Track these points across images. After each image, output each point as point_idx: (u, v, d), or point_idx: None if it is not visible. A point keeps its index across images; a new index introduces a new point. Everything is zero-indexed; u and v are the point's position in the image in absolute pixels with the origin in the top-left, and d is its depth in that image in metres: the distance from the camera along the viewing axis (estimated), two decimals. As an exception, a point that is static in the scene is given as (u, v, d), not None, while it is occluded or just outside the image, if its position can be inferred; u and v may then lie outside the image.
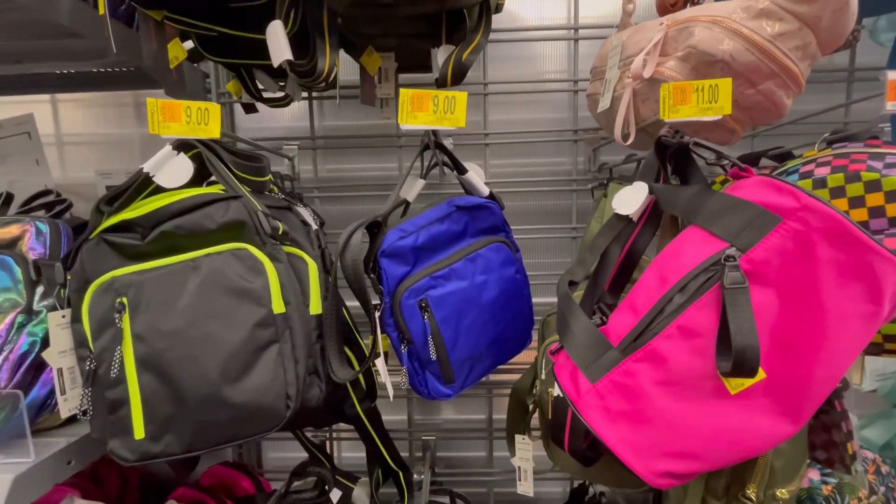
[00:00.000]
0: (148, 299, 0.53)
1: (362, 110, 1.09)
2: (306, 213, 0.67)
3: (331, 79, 0.71)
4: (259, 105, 0.96)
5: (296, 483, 0.93)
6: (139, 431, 0.52)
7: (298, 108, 1.07)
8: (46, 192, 0.77)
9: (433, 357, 0.66)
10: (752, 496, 0.57)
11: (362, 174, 1.07)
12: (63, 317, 0.54)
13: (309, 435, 1.00)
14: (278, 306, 0.54)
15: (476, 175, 0.73)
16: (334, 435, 1.12)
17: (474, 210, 0.70)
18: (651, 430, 0.50)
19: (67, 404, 0.54)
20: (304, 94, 1.00)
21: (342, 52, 0.85)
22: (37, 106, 1.08)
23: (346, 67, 1.02)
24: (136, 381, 0.52)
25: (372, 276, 0.64)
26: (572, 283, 0.60)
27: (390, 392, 0.69)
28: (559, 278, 0.60)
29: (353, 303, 0.71)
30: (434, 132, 0.71)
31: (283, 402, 0.53)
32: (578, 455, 0.67)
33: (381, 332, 0.66)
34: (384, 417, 0.88)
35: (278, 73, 0.88)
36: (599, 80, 0.82)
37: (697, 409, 0.50)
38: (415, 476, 0.99)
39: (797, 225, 0.45)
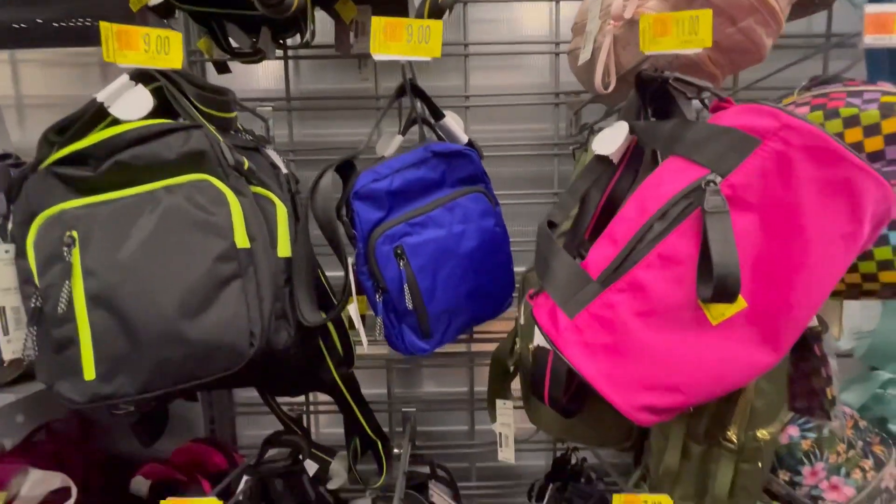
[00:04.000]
0: (101, 233, 0.49)
1: (340, 73, 1.06)
2: (276, 157, 0.64)
3: (305, 20, 0.68)
4: (232, 65, 0.93)
5: (270, 452, 0.89)
6: (89, 372, 0.48)
7: (274, 69, 1.03)
8: (5, 156, 0.73)
9: (409, 306, 0.64)
10: (734, 437, 0.56)
11: (340, 139, 1.04)
12: (6, 252, 0.50)
13: (285, 409, 0.96)
14: (242, 241, 0.51)
15: (454, 121, 0.71)
16: (311, 409, 1.08)
17: (452, 157, 0.68)
18: (631, 362, 0.49)
19: (11, 346, 0.50)
20: (279, 53, 0.97)
21: (319, 12, 0.82)
22: (-6, 65, 1.02)
23: (322, 27, 0.99)
24: (86, 319, 0.48)
25: (345, 219, 0.61)
26: (552, 225, 0.59)
27: (364, 340, 0.66)
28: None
29: (332, 273, 0.68)
30: (412, 77, 0.69)
31: (245, 339, 0.49)
32: (559, 406, 0.65)
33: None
34: (363, 391, 0.85)
35: (251, 29, 0.84)
36: (580, 35, 0.81)
37: (678, 341, 0.48)
38: (395, 450, 0.97)
39: (777, 145, 0.44)
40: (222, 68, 0.94)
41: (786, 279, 0.46)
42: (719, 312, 0.48)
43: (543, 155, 1.01)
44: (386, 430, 1.08)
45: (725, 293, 0.45)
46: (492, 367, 0.90)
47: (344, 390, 0.86)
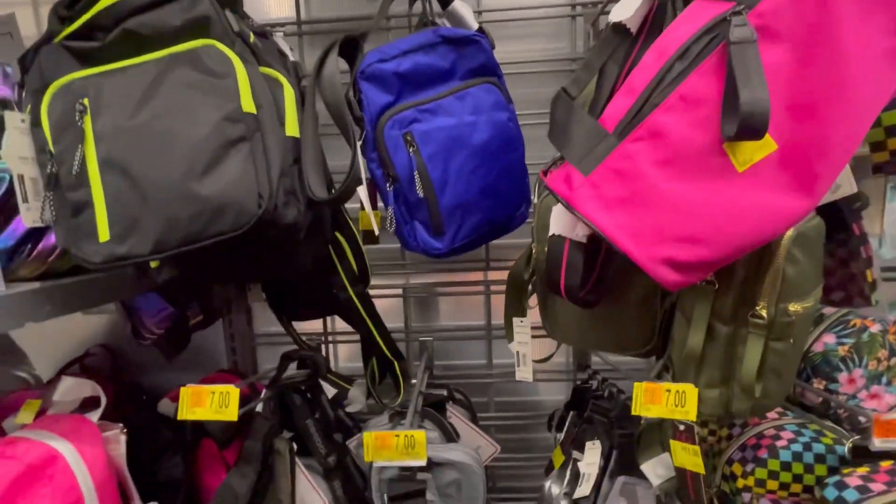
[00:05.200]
0: (110, 99, 0.50)
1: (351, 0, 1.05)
2: (283, 44, 0.64)
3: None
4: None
5: (289, 373, 0.90)
6: (104, 233, 0.49)
7: (284, -3, 1.03)
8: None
9: (421, 195, 0.63)
10: (763, 312, 0.53)
11: (351, 67, 1.03)
12: (22, 120, 0.51)
13: (304, 339, 0.97)
14: (248, 105, 0.50)
15: (463, 8, 0.69)
16: (330, 339, 1.09)
17: (462, 45, 0.66)
18: (651, 213, 0.46)
19: (31, 214, 0.51)
20: (289, -23, 0.96)
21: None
22: (18, 7, 1.05)
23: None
24: (98, 182, 0.49)
25: (352, 99, 0.60)
26: (567, 93, 0.56)
27: (375, 225, 0.65)
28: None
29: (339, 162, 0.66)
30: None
31: (253, 199, 0.49)
32: (576, 297, 0.63)
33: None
34: (380, 323, 0.85)
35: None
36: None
37: (702, 190, 0.45)
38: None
39: (810, -39, 0.40)
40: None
41: (822, 111, 0.42)
42: (746, 158, 0.45)
43: (561, 72, 0.98)
44: (403, 360, 1.08)
45: (752, 128, 0.41)
46: (508, 285, 0.88)
47: (359, 307, 0.86)
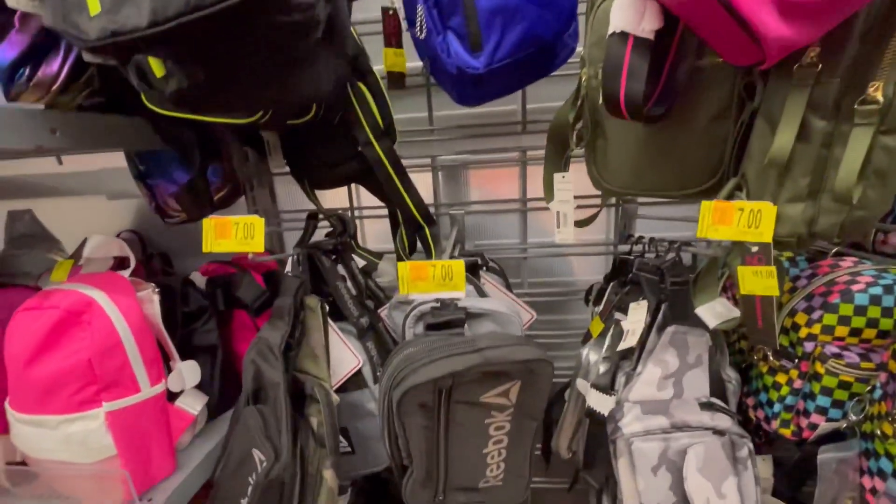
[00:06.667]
0: None
1: None
2: None
3: None
4: None
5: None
6: (94, 6, 0.42)
7: None
8: None
9: (454, -7, 0.53)
10: (878, 95, 0.43)
11: None
12: None
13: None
14: None
15: None
16: (357, 213, 1.05)
17: None
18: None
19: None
20: None
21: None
22: None
23: None
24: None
25: None
26: None
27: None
28: None
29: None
30: None
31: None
32: (638, 109, 0.54)
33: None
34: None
35: None
36: None
37: None
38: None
39: None
40: None
41: None
42: None
43: None
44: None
45: None
46: (549, 137, 0.80)
47: (387, 164, 0.80)
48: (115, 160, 0.97)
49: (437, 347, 0.51)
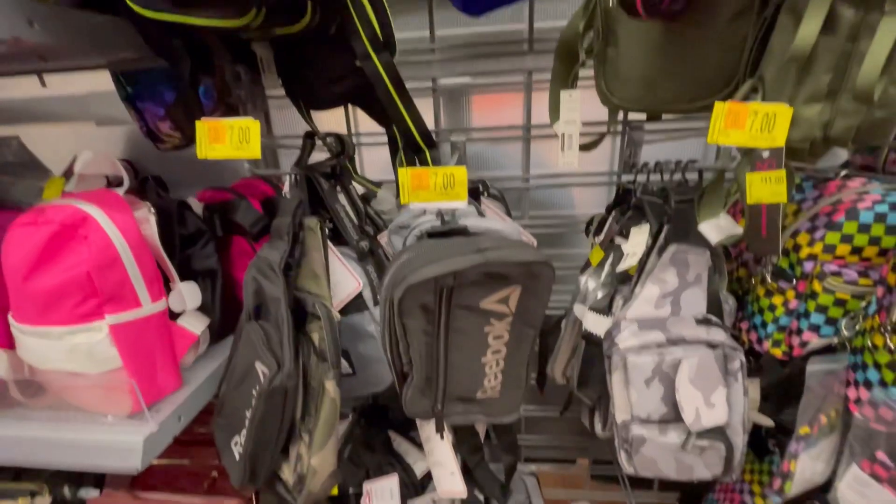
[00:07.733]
0: None
1: None
2: None
3: None
4: None
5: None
6: None
7: None
8: None
9: None
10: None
11: None
12: None
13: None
14: None
15: None
16: (355, 140, 1.02)
17: None
18: None
19: None
20: None
21: None
22: None
23: None
24: None
25: None
26: None
27: None
28: None
29: None
30: None
31: None
32: (656, 6, 0.51)
33: None
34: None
35: None
36: None
37: None
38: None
39: None
40: None
41: None
42: None
43: None
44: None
45: None
46: (557, 51, 0.76)
47: (386, 80, 0.76)
48: (103, 83, 0.92)
49: (438, 248, 0.50)
